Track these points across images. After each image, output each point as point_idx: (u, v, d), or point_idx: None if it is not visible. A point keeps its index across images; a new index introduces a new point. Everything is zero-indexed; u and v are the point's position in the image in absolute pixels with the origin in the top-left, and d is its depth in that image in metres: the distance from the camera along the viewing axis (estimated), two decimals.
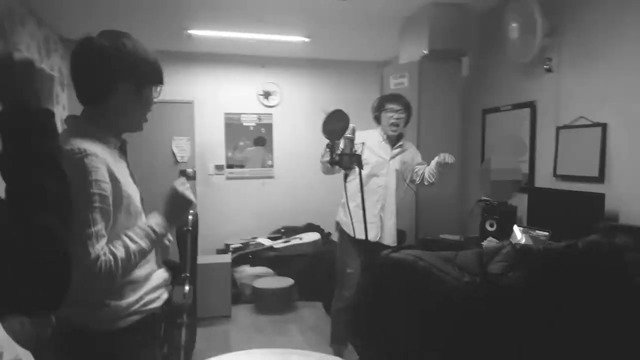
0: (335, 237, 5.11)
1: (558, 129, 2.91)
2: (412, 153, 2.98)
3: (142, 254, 1.17)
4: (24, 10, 3.50)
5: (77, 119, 1.22)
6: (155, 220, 1.22)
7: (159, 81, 1.27)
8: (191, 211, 3.88)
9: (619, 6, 2.50)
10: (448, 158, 2.68)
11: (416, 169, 2.93)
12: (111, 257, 1.08)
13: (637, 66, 2.41)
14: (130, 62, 1.18)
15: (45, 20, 3.90)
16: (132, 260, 1.13)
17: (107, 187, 1.11)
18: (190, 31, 4.17)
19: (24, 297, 0.68)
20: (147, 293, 1.24)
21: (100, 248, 1.07)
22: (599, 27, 2.63)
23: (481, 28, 3.70)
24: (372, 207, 2.79)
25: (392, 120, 2.83)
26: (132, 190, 1.22)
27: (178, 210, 1.26)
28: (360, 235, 2.65)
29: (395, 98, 2.89)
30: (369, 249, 2.64)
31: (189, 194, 1.27)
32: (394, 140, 2.91)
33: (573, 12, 2.81)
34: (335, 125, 2.26)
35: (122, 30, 1.23)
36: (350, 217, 2.60)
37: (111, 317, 1.16)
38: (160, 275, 1.33)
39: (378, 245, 2.79)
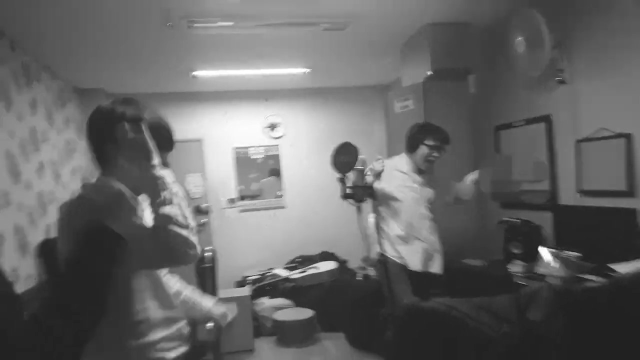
0: (352, 264, 5.08)
1: (578, 142, 2.79)
2: (439, 179, 2.89)
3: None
4: (39, 66, 3.58)
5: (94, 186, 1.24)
6: None
7: (169, 148, 1.29)
8: (208, 248, 3.82)
9: (632, 11, 2.40)
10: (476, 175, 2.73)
11: (446, 190, 2.85)
12: None
13: None
14: None
15: (59, 73, 3.98)
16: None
17: None
18: (195, 72, 4.23)
19: None
20: (163, 340, 1.24)
21: None
22: (613, 34, 2.53)
23: (485, 44, 3.64)
24: (416, 235, 2.71)
25: (431, 158, 2.71)
26: None
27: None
28: (413, 266, 2.65)
29: (437, 132, 2.73)
30: (418, 279, 2.64)
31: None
32: (421, 170, 2.80)
33: (582, 20, 2.74)
34: (345, 158, 2.20)
35: (132, 97, 1.27)
36: (394, 249, 2.60)
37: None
38: (180, 326, 1.32)
39: (427, 275, 2.72)
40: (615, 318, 1.06)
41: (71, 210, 1.18)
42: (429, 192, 2.77)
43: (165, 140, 1.26)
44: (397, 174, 2.75)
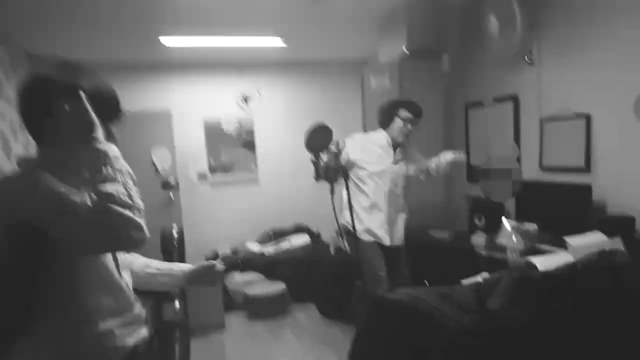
0: (324, 237, 5.15)
1: (542, 120, 2.89)
2: (413, 153, 2.93)
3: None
4: None
5: (30, 162, 1.11)
6: None
7: (116, 118, 1.17)
8: (174, 226, 3.74)
9: None
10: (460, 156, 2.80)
11: (417, 164, 2.90)
12: None
13: (620, 57, 2.38)
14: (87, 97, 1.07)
15: (10, 36, 3.70)
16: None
17: None
18: (163, 38, 4.00)
19: None
20: (117, 327, 1.16)
21: None
22: (581, 19, 2.59)
23: (460, 23, 3.64)
24: (383, 211, 2.77)
25: (406, 131, 2.74)
26: None
27: None
28: (376, 236, 2.75)
29: (412, 106, 2.75)
30: (388, 254, 2.78)
31: None
32: (397, 144, 2.82)
33: (553, 4, 2.77)
34: (318, 139, 2.20)
35: (77, 62, 1.12)
36: (366, 223, 2.73)
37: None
38: (134, 312, 1.24)
39: (390, 248, 2.82)
40: (570, 300, 1.14)
41: None
42: (401, 167, 2.81)
43: (110, 109, 1.14)
44: (371, 148, 2.77)
